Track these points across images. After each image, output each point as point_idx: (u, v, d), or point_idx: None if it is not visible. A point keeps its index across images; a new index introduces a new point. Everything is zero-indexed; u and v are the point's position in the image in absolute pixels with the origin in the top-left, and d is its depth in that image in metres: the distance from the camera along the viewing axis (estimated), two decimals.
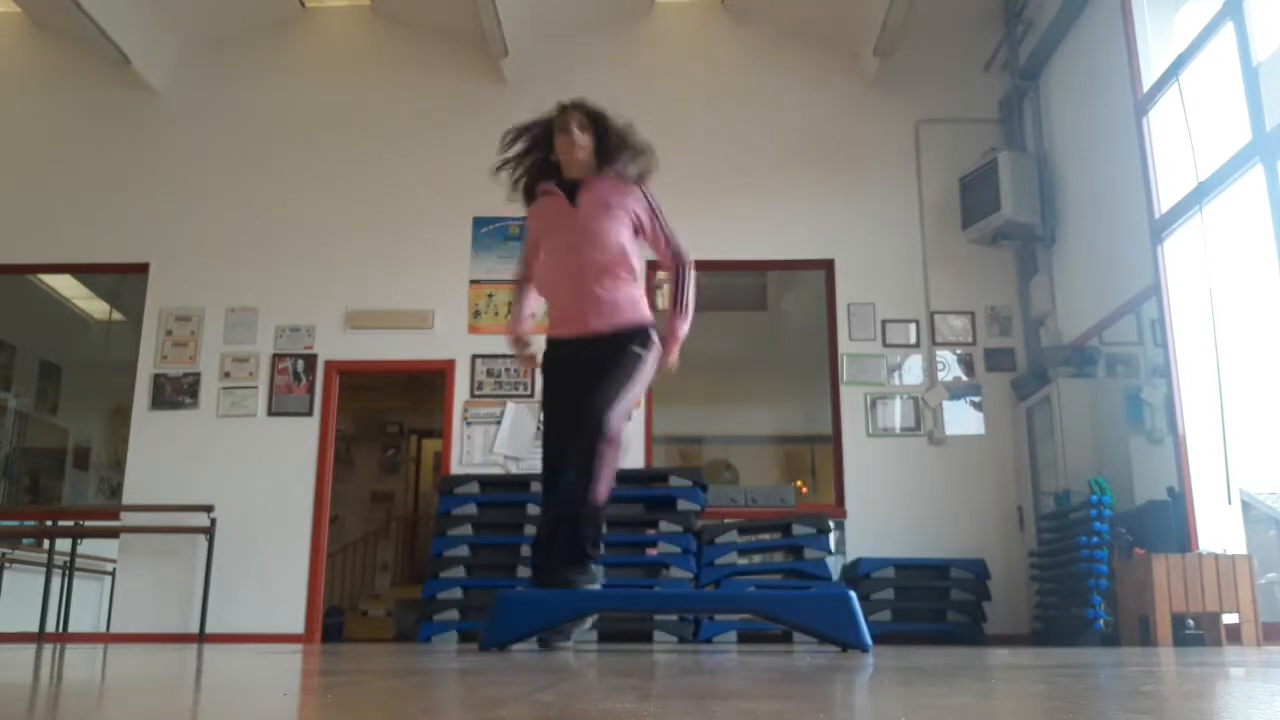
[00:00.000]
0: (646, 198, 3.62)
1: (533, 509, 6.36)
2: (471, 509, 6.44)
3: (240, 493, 6.84)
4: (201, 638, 6.45)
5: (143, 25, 7.36)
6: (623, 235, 3.53)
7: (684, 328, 3.65)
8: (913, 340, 7.11)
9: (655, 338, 3.58)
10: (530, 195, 3.76)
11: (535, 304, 3.87)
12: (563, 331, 3.61)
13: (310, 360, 7.14)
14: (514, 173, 3.75)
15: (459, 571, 6.26)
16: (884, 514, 6.77)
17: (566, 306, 3.58)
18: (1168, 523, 5.22)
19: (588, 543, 3.42)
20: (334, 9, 7.93)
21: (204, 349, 7.16)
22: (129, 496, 6.92)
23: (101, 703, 1.40)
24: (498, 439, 6.97)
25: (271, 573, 6.77)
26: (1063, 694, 1.44)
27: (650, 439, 7.08)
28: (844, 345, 7.12)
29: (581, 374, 3.47)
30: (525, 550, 6.23)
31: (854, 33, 7.43)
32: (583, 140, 3.56)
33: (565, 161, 3.60)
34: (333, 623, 8.86)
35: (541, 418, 3.64)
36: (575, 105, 3.68)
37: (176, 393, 7.10)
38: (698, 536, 6.28)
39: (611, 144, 3.59)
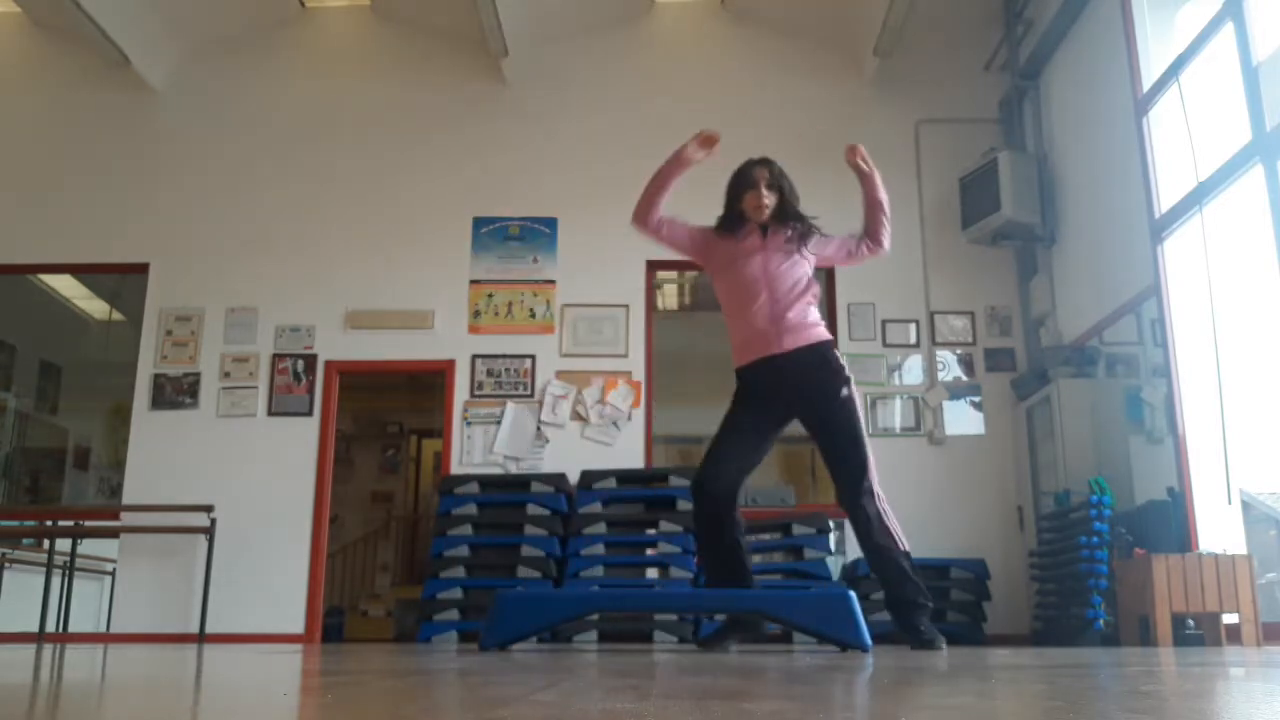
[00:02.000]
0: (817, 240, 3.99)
1: (533, 509, 6.37)
2: (471, 509, 6.45)
3: (240, 493, 6.84)
4: (201, 638, 6.45)
5: (143, 25, 7.36)
6: (801, 271, 3.86)
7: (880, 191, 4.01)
8: (913, 340, 7.11)
9: (840, 357, 3.78)
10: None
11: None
12: (751, 358, 3.78)
13: (310, 360, 7.14)
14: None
15: (459, 571, 6.26)
16: None
17: (753, 332, 3.76)
18: (1168, 523, 5.22)
19: (920, 595, 3.68)
20: (334, 9, 7.93)
21: (204, 349, 7.16)
22: (129, 496, 6.92)
23: (101, 703, 1.40)
24: (498, 439, 6.97)
25: (271, 573, 6.77)
26: (1063, 694, 1.43)
27: (650, 439, 7.08)
28: (844, 345, 7.11)
29: (768, 410, 3.73)
30: (525, 550, 6.24)
31: (854, 33, 7.43)
32: (769, 199, 3.86)
33: (751, 217, 3.88)
34: (333, 623, 8.86)
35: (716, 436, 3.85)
36: (764, 162, 3.97)
37: (176, 393, 7.10)
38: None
39: (789, 208, 3.91)
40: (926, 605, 3.70)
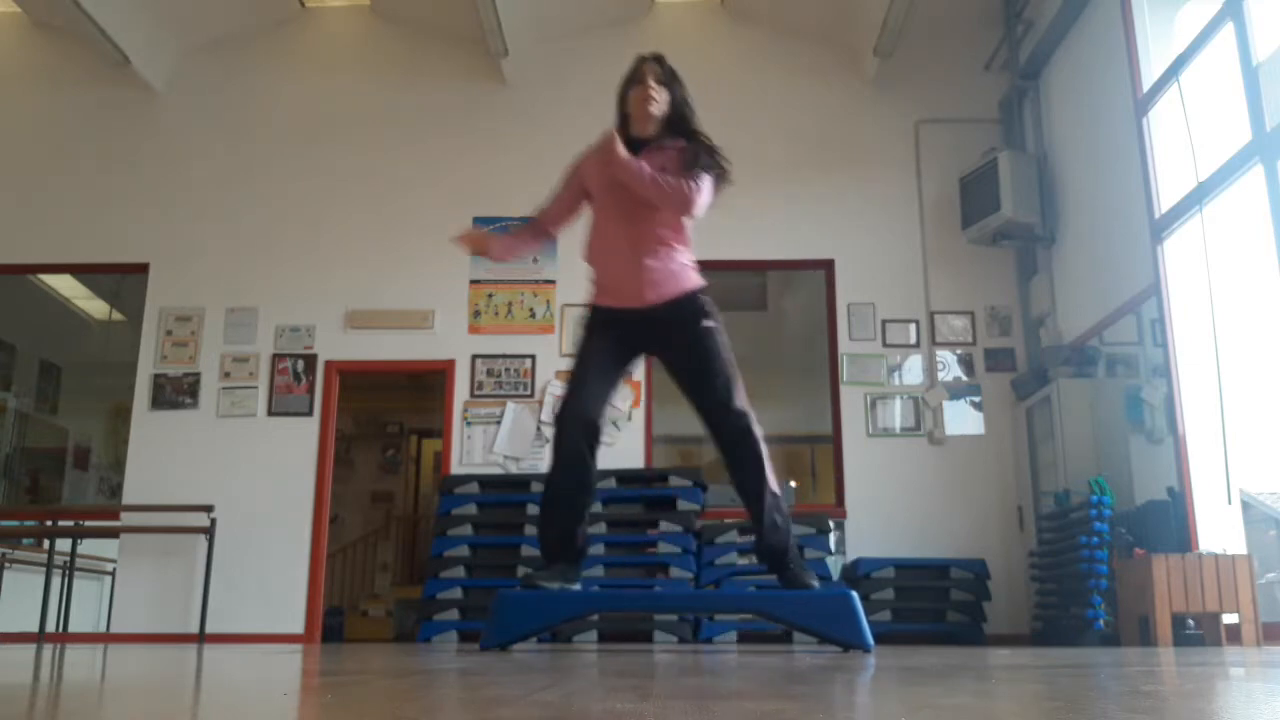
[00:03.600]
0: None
1: (533, 509, 6.37)
2: (471, 509, 6.45)
3: (240, 493, 6.84)
4: (201, 638, 6.45)
5: (143, 25, 7.36)
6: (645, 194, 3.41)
7: (635, 166, 3.33)
8: (913, 340, 7.11)
9: (709, 300, 3.47)
10: None
11: (531, 248, 3.70)
12: (612, 302, 3.47)
13: (310, 360, 7.14)
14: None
15: (459, 571, 6.27)
16: (884, 514, 6.76)
17: (614, 276, 3.46)
18: (1168, 523, 5.22)
19: (789, 538, 3.45)
20: (333, 8, 7.93)
21: (204, 349, 7.16)
22: (129, 496, 6.92)
23: (101, 703, 1.40)
24: (498, 439, 6.97)
25: (271, 573, 6.77)
26: (1063, 694, 1.44)
27: (650, 439, 7.08)
28: (844, 345, 7.12)
29: (626, 345, 3.46)
30: (525, 550, 6.24)
31: (854, 33, 7.43)
32: (659, 94, 3.44)
33: (635, 115, 3.45)
34: (333, 623, 8.85)
35: (573, 371, 3.47)
36: (655, 58, 3.55)
37: (176, 393, 7.10)
38: (698, 536, 6.28)
39: (685, 112, 3.51)
40: (791, 545, 3.50)
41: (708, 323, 3.39)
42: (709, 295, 3.47)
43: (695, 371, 3.39)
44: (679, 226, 3.43)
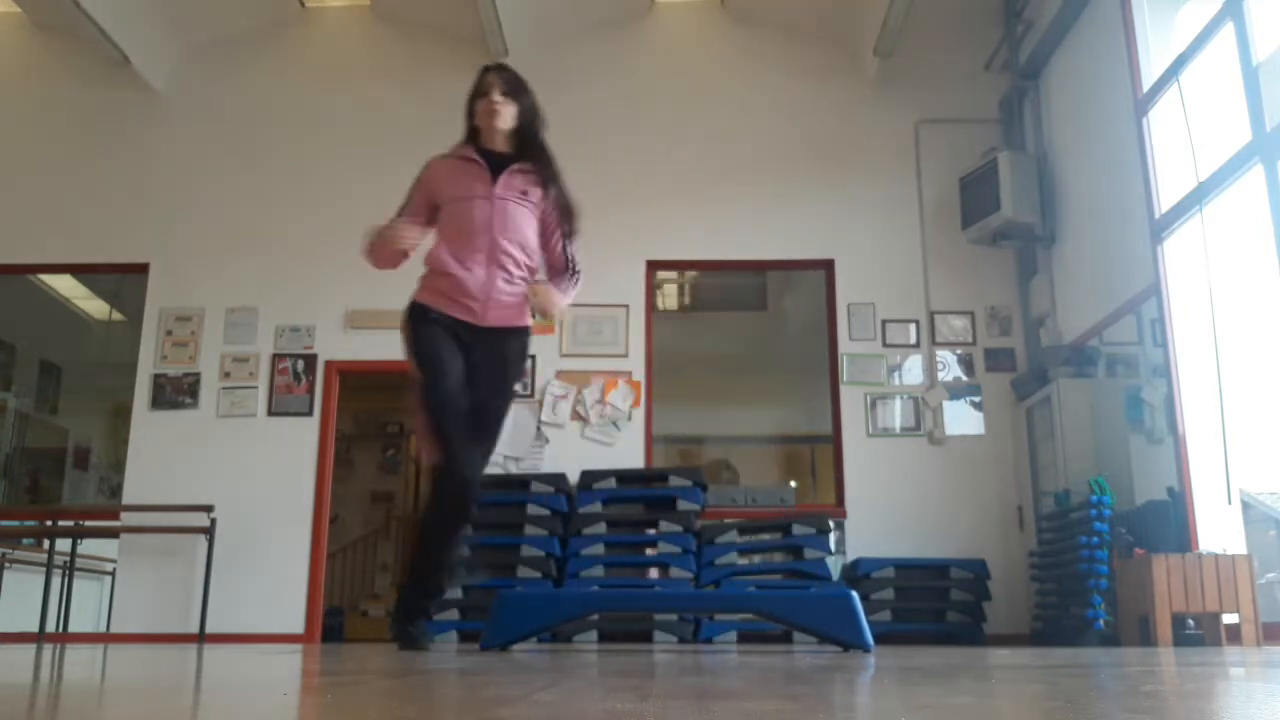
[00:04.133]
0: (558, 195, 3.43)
1: (533, 509, 6.37)
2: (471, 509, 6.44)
3: (240, 493, 6.84)
4: (201, 638, 6.44)
5: (143, 25, 7.36)
6: (531, 231, 3.39)
7: (568, 295, 3.48)
8: (913, 340, 7.11)
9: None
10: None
11: (416, 238, 3.57)
12: (454, 312, 3.36)
13: (310, 360, 7.14)
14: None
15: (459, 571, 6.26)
16: (884, 514, 6.76)
17: (464, 288, 3.33)
18: (1168, 523, 5.22)
19: (438, 588, 3.41)
20: (334, 9, 7.93)
21: (204, 349, 7.16)
22: (129, 496, 6.92)
23: (101, 703, 1.40)
24: None
25: (271, 573, 6.77)
26: (1063, 694, 1.43)
27: (650, 439, 7.07)
28: (844, 345, 7.12)
29: (463, 353, 3.35)
30: (525, 550, 6.24)
31: (854, 33, 7.43)
32: (505, 109, 3.36)
33: (484, 129, 3.39)
34: (333, 623, 8.85)
35: (422, 370, 3.37)
36: (498, 67, 3.50)
37: (176, 393, 7.10)
38: (698, 536, 6.28)
39: (536, 124, 3.42)
40: (432, 600, 3.38)
41: (523, 361, 3.52)
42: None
43: (487, 386, 3.37)
44: (532, 260, 3.44)
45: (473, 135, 3.44)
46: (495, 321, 3.32)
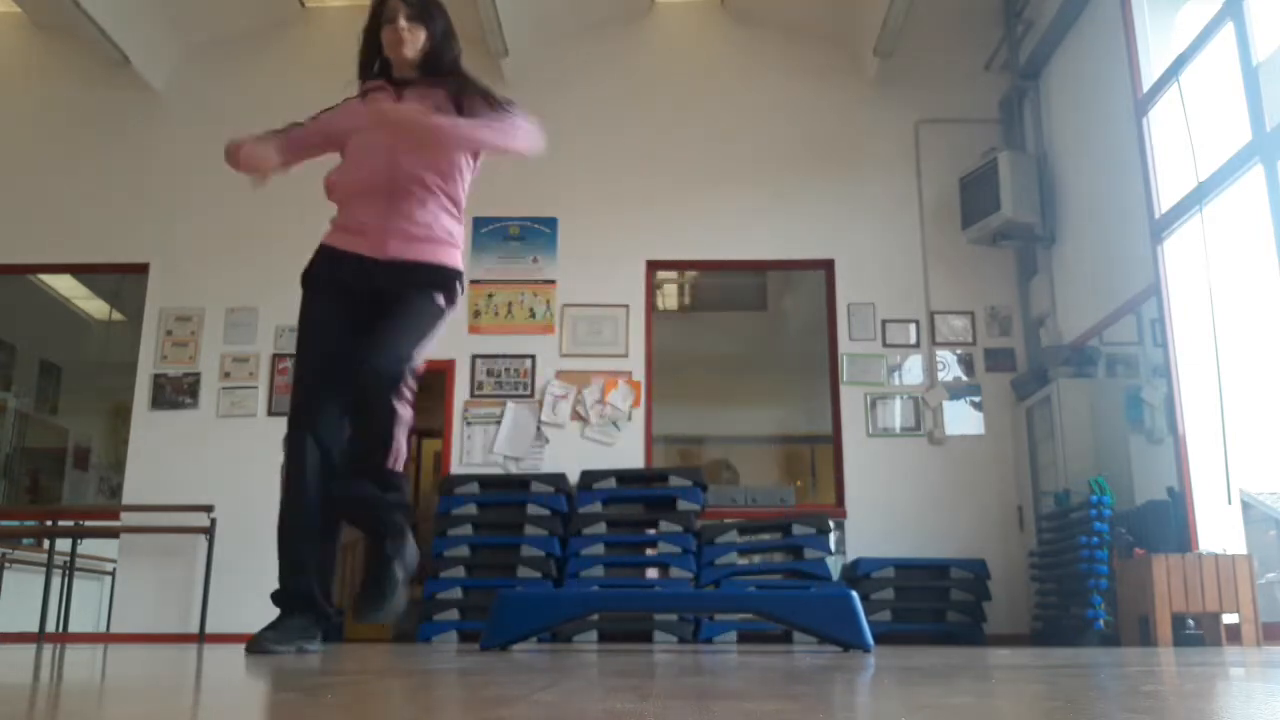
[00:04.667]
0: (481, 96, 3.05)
1: (533, 509, 6.37)
2: (471, 509, 6.45)
3: (240, 493, 6.83)
4: (201, 638, 6.44)
5: (143, 25, 7.36)
6: (455, 152, 2.99)
7: (451, 127, 2.93)
8: (913, 340, 7.11)
9: (460, 291, 3.01)
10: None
11: (274, 163, 3.23)
12: (351, 246, 2.98)
13: None
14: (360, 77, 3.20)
15: (459, 571, 6.27)
16: (884, 514, 6.76)
17: (364, 220, 2.97)
18: (1168, 523, 5.22)
19: (399, 511, 2.89)
20: (334, 9, 7.93)
21: (204, 349, 7.16)
22: (129, 496, 6.92)
23: (101, 703, 1.40)
24: (498, 439, 6.97)
25: (271, 573, 6.73)
26: (1063, 694, 1.44)
27: (650, 439, 7.07)
28: (844, 345, 7.12)
29: (353, 308, 2.94)
30: (525, 550, 6.24)
31: (854, 33, 7.43)
32: (413, 34, 3.07)
33: (393, 60, 3.11)
34: (333, 623, 8.84)
35: (298, 353, 3.05)
36: None
37: (176, 393, 7.10)
38: (698, 536, 6.28)
39: (448, 46, 3.13)
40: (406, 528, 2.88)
41: (439, 296, 2.92)
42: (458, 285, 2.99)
43: (383, 315, 2.86)
44: (454, 182, 3.00)
45: (384, 69, 3.15)
46: (397, 254, 2.91)
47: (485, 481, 6.60)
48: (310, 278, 3.08)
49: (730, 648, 4.59)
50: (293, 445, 3.09)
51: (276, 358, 7.14)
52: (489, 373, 7.10)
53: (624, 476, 6.58)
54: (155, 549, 6.78)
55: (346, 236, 3.02)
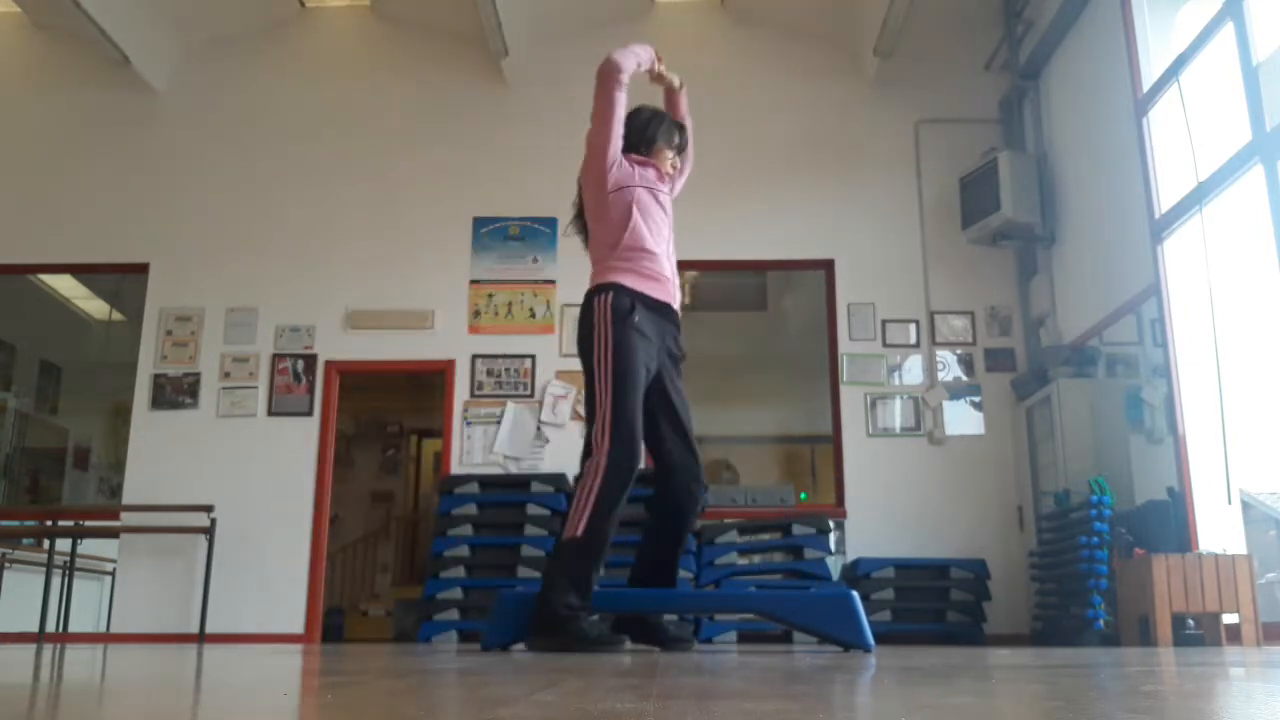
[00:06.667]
0: None
1: (533, 509, 6.37)
2: (471, 509, 6.45)
3: (240, 493, 6.84)
4: (201, 638, 6.45)
5: (143, 25, 7.36)
6: None
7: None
8: (913, 340, 7.11)
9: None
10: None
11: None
12: (659, 295, 3.39)
13: (310, 360, 7.14)
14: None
15: (459, 571, 6.27)
16: (884, 514, 6.76)
17: (665, 269, 3.44)
18: (1168, 523, 5.22)
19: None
20: (334, 9, 7.93)
21: (204, 349, 7.17)
22: (129, 496, 6.92)
23: (101, 703, 1.40)
24: (498, 439, 6.97)
25: (271, 573, 6.77)
26: (1063, 694, 1.44)
27: None
28: (844, 345, 7.12)
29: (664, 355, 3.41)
30: (525, 550, 6.24)
31: (854, 33, 7.43)
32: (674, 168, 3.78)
33: (657, 169, 3.69)
34: (333, 623, 8.85)
35: (619, 382, 3.26)
36: (681, 129, 3.87)
37: (176, 393, 7.10)
38: (698, 536, 6.28)
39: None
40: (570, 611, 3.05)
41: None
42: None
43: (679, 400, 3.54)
44: None
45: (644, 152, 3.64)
46: (675, 300, 3.47)
47: (485, 481, 6.60)
48: (635, 320, 3.33)
49: (730, 648, 4.59)
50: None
51: (276, 358, 7.14)
52: (489, 373, 7.10)
53: None
54: (155, 549, 6.79)
55: (656, 286, 3.43)
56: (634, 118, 3.63)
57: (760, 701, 1.26)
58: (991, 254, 7.17)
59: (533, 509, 6.38)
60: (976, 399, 7.02)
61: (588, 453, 3.29)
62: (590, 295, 3.34)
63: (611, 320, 3.23)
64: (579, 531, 3.14)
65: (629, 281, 3.30)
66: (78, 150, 7.60)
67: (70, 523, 7.00)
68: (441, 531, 6.39)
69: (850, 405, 7.02)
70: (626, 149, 3.54)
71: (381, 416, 11.48)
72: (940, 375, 7.05)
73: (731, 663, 2.43)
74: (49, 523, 7.11)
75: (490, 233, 7.33)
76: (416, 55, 7.74)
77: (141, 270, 7.37)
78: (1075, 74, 6.66)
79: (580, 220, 3.64)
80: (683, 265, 7.92)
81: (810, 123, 7.50)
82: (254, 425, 7.03)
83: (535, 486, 6.48)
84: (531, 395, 7.04)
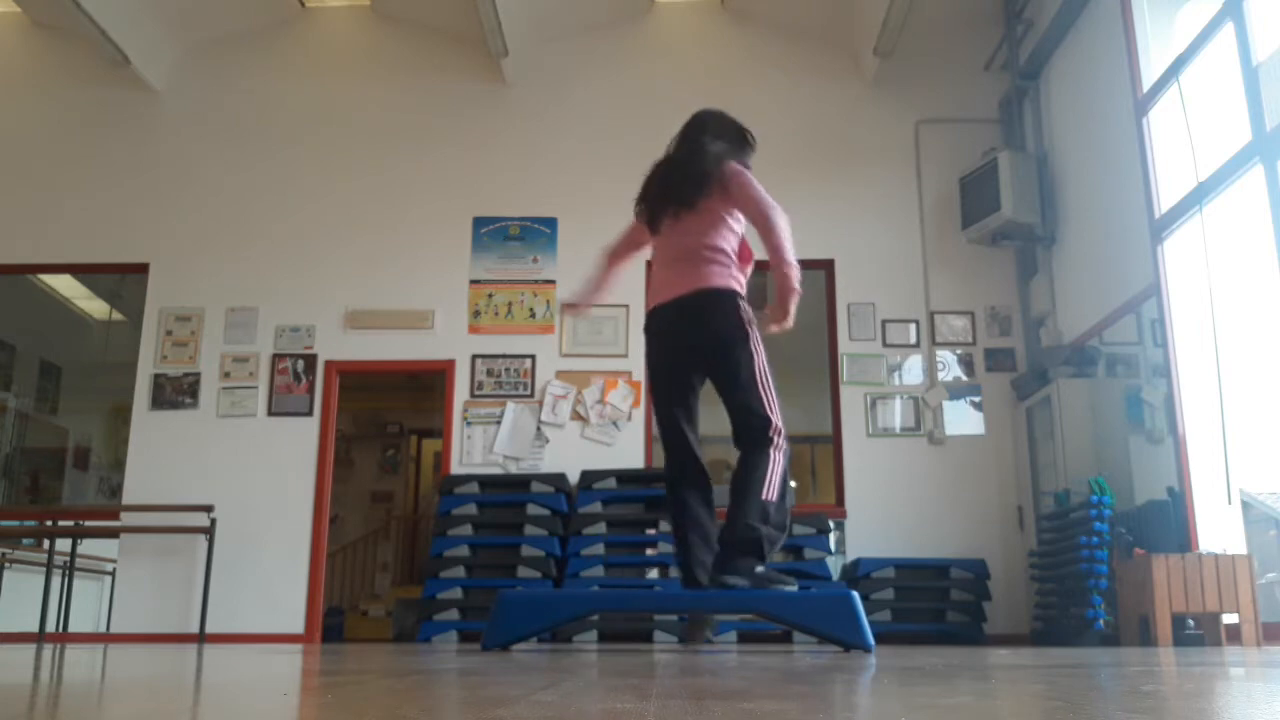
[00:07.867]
0: None
1: (533, 509, 6.38)
2: (471, 509, 6.45)
3: (240, 493, 6.84)
4: (201, 638, 6.45)
5: (143, 25, 7.36)
6: None
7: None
8: (913, 340, 7.11)
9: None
10: None
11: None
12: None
13: (310, 360, 7.14)
14: None
15: (459, 571, 6.27)
16: (884, 514, 6.76)
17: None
18: (1168, 523, 5.22)
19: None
20: (334, 8, 7.93)
21: (204, 349, 7.16)
22: (129, 496, 6.92)
23: (101, 703, 1.40)
24: (498, 439, 6.97)
25: (271, 573, 6.77)
26: (1063, 694, 1.44)
27: (650, 439, 7.07)
28: (844, 345, 7.12)
29: None
30: (525, 550, 6.24)
31: (854, 33, 7.43)
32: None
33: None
34: (333, 623, 8.85)
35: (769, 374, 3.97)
36: None
37: (176, 393, 7.10)
38: None
39: None
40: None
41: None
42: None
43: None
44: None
45: None
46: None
47: (485, 481, 6.60)
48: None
49: (730, 648, 4.59)
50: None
51: (276, 358, 7.14)
52: (489, 373, 7.10)
53: (624, 476, 6.58)
54: (155, 549, 6.78)
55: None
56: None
57: (760, 701, 1.26)
58: (991, 254, 7.17)
59: (533, 509, 6.38)
60: (976, 399, 7.02)
61: (746, 435, 3.80)
62: (733, 295, 4.04)
63: (751, 322, 4.03)
64: (774, 495, 3.61)
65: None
66: (77, 150, 7.60)
67: (70, 523, 7.01)
68: (441, 531, 6.39)
69: (850, 405, 7.02)
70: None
71: (381, 416, 11.49)
72: (940, 375, 7.05)
73: (731, 662, 2.43)
74: (49, 523, 7.12)
75: (490, 233, 7.33)
76: (416, 55, 7.74)
77: (141, 270, 7.37)
78: (1075, 74, 6.66)
79: (683, 196, 4.02)
80: None
81: (810, 123, 7.50)
82: (254, 425, 7.03)
83: (535, 486, 6.48)
84: (531, 395, 7.04)
